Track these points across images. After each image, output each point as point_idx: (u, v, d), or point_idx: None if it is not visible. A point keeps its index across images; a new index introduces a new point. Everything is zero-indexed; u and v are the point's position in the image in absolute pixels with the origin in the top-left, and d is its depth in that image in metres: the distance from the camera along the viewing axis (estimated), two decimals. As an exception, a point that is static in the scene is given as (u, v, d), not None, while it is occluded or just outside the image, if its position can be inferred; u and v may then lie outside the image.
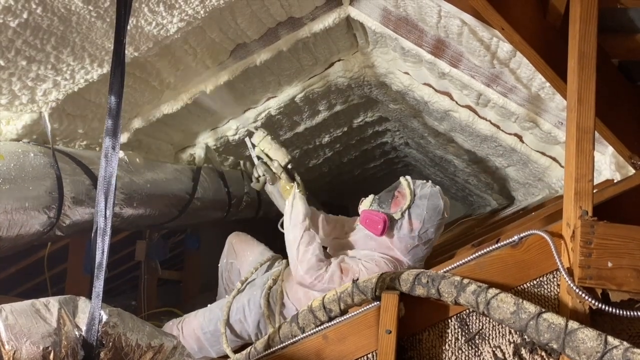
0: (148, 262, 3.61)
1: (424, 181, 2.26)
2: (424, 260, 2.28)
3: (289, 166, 2.28)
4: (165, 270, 4.18)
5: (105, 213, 1.20)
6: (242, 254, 2.76)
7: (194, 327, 2.45)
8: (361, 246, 2.28)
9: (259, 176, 2.32)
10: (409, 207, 2.16)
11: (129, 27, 1.82)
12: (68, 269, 3.40)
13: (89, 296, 1.27)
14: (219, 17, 2.10)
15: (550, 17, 1.61)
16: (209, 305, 2.57)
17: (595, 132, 1.45)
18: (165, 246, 3.87)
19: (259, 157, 2.31)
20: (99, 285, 1.19)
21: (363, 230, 2.27)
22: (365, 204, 2.27)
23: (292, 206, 2.25)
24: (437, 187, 2.25)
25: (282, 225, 2.30)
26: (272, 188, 2.32)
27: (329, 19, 2.43)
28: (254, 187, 2.37)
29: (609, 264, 1.30)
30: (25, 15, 1.52)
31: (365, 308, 1.51)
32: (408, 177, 2.26)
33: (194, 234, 4.38)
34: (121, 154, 2.47)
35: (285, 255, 2.37)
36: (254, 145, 2.37)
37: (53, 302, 1.19)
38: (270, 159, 2.28)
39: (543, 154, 2.80)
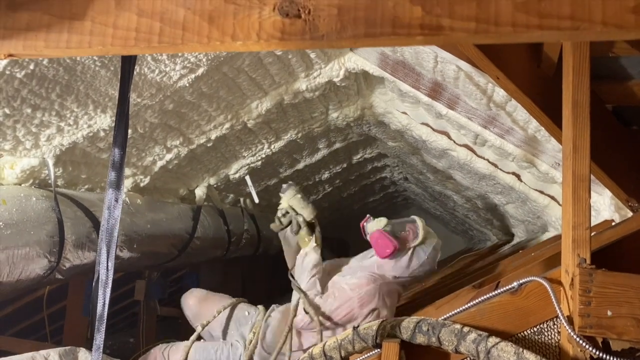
0: (147, 302, 3.58)
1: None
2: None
3: (313, 222, 2.44)
4: (163, 306, 4.14)
5: (107, 265, 1.21)
6: (204, 313, 2.56)
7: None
8: (353, 270, 2.37)
9: (282, 223, 2.47)
10: (415, 247, 2.30)
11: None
12: (67, 307, 3.37)
13: (88, 340, 1.27)
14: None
15: (544, 66, 1.65)
16: (203, 341, 2.51)
17: (592, 176, 1.47)
18: (164, 285, 3.84)
19: (286, 210, 2.48)
20: (99, 338, 1.19)
21: (360, 261, 2.42)
22: (378, 225, 2.35)
23: (306, 255, 2.38)
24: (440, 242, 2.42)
25: (292, 275, 2.41)
26: (289, 235, 2.47)
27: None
28: (273, 228, 2.51)
29: (609, 313, 1.30)
30: (31, 67, 1.56)
31: (365, 356, 1.50)
32: (422, 220, 2.39)
33: (193, 273, 4.36)
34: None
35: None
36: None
37: (53, 354, 1.19)
38: (297, 213, 2.44)
39: (541, 192, 2.82)
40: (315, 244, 2.39)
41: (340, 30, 0.63)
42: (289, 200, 2.46)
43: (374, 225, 2.37)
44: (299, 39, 0.64)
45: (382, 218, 2.39)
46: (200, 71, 2.02)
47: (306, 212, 2.42)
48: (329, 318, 2.19)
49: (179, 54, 1.85)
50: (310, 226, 2.44)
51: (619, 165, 1.83)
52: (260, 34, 0.66)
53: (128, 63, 1.03)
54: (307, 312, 2.20)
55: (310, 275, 2.30)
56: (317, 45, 0.65)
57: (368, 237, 2.38)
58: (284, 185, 2.49)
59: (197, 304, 2.61)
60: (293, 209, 2.44)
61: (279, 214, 2.48)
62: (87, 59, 1.66)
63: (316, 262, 2.35)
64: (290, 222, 2.44)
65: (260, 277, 5.35)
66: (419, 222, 2.37)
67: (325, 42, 0.64)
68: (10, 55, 0.76)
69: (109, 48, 0.72)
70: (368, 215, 2.45)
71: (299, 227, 2.42)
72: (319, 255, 2.39)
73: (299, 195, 2.46)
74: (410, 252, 2.29)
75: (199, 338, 2.48)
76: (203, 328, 2.42)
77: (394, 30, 0.62)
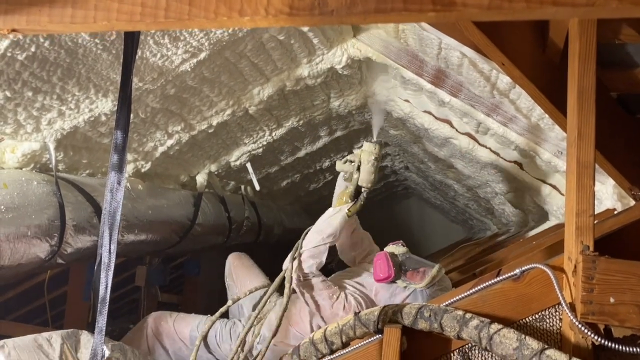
0: (148, 288, 3.59)
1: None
2: None
3: (362, 190, 2.28)
4: (164, 293, 4.16)
5: (110, 247, 1.20)
6: (241, 280, 2.61)
7: (191, 330, 2.38)
8: (360, 278, 2.30)
9: (348, 165, 2.35)
10: (415, 289, 2.10)
11: (134, 59, 1.84)
12: (68, 292, 3.39)
13: (89, 324, 1.27)
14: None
15: (549, 52, 1.63)
16: (209, 316, 2.50)
17: (595, 164, 1.46)
18: (165, 271, 3.85)
19: (353, 161, 2.34)
20: (101, 320, 1.19)
21: (367, 276, 2.27)
22: (395, 249, 2.21)
23: (331, 217, 2.25)
24: None
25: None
26: (341, 182, 2.41)
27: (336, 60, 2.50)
28: (337, 165, 2.42)
29: (611, 300, 1.30)
30: (33, 49, 1.54)
31: (367, 341, 1.51)
32: (443, 269, 2.18)
33: (194, 260, 4.37)
34: (123, 180, 2.49)
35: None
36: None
37: (55, 337, 1.19)
38: (358, 170, 2.28)
39: (543, 181, 2.82)
40: (347, 210, 2.23)
41: (350, 5, 0.62)
42: (363, 151, 2.27)
43: (391, 248, 2.22)
44: (308, 14, 0.63)
45: (402, 247, 2.22)
46: (202, 55, 2.00)
47: (363, 174, 2.24)
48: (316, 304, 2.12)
49: (181, 37, 1.84)
50: (357, 193, 2.29)
51: (622, 154, 1.82)
52: (269, 9, 0.64)
53: (131, 42, 1.02)
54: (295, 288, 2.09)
55: (321, 242, 2.15)
56: (326, 21, 0.64)
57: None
58: (373, 140, 2.32)
59: (237, 267, 2.65)
60: (359, 163, 2.26)
61: (351, 157, 2.35)
62: (88, 41, 1.64)
63: (334, 232, 2.18)
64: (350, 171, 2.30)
65: (261, 265, 5.36)
66: (434, 270, 2.11)
67: (335, 17, 0.63)
68: (14, 30, 0.75)
69: (114, 23, 0.70)
70: (401, 241, 2.26)
71: (350, 181, 2.27)
72: (342, 225, 2.21)
73: (373, 158, 2.25)
74: (407, 291, 2.10)
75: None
76: (233, 303, 2.41)
77: (406, 5, 0.61)
